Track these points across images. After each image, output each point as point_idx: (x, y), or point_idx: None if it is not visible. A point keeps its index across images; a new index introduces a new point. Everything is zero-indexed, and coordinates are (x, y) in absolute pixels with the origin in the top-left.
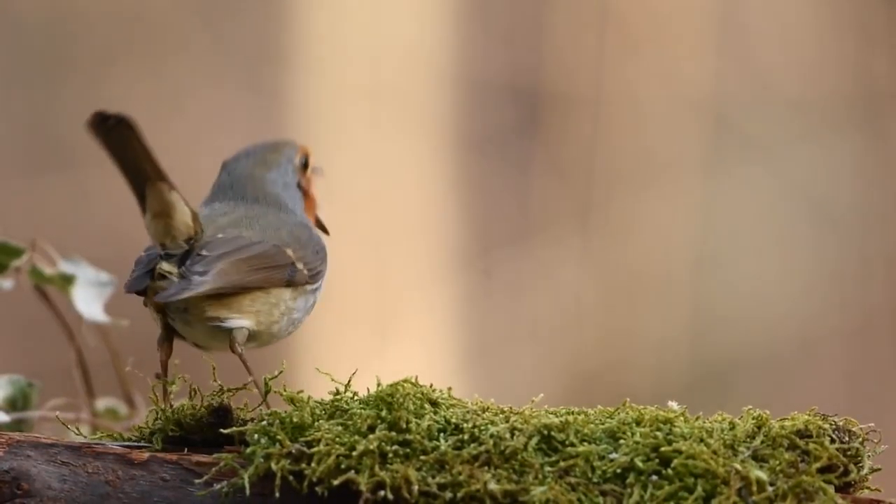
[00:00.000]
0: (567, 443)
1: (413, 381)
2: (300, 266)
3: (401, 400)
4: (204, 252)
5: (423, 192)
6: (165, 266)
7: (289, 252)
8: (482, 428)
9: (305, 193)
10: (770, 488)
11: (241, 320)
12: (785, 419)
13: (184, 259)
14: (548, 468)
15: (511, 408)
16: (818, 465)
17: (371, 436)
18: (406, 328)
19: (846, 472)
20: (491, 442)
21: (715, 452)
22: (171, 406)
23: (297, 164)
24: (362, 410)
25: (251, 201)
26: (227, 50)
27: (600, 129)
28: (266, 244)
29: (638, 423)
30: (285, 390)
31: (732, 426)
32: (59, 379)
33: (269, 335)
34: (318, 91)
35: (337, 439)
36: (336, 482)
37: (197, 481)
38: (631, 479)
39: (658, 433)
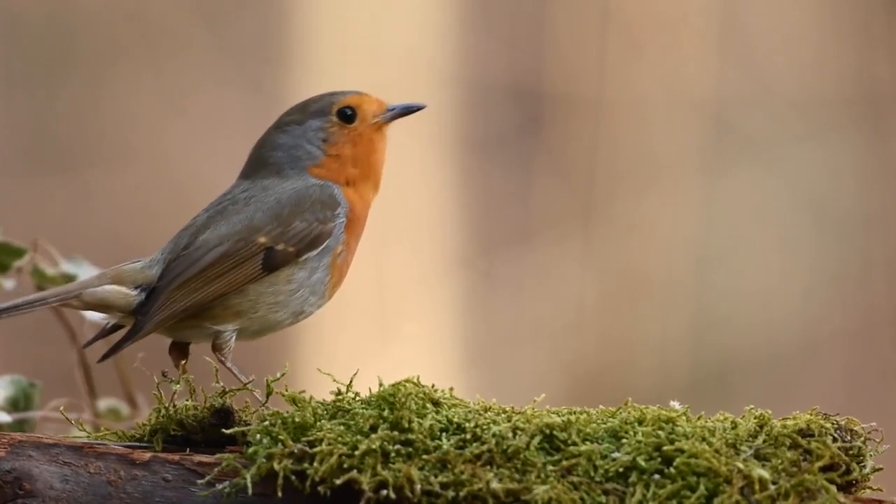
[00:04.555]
0: (569, 442)
1: (415, 380)
2: (280, 246)
3: (403, 400)
4: (159, 282)
5: (425, 193)
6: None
7: (260, 239)
8: (484, 427)
9: (333, 150)
10: (772, 487)
11: (221, 325)
12: (787, 418)
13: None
14: (550, 467)
15: (513, 407)
16: (820, 463)
17: (373, 435)
18: (407, 328)
19: (848, 471)
20: (493, 441)
21: (717, 451)
22: (175, 405)
23: (332, 118)
24: (364, 410)
25: (256, 173)
26: (228, 50)
27: (602, 130)
28: (225, 244)
29: (640, 423)
30: (287, 391)
31: (734, 425)
32: (60, 379)
33: (271, 325)
34: (319, 91)
35: (339, 439)
36: (338, 482)
37: (199, 481)
38: (633, 477)
39: (660, 432)
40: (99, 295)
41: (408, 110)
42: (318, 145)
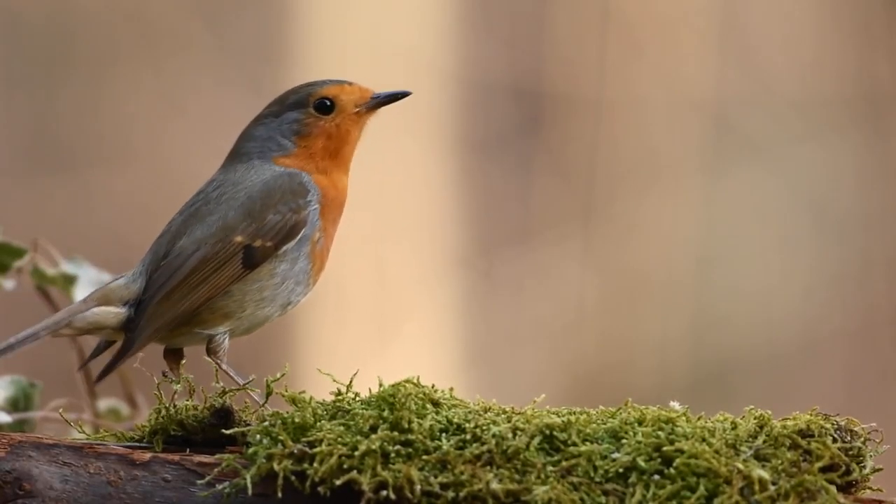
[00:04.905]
0: (569, 442)
1: (415, 381)
2: (257, 243)
3: (403, 400)
4: (144, 295)
5: (425, 193)
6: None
7: (237, 238)
8: (484, 428)
9: (304, 142)
10: (772, 487)
11: (211, 329)
12: (787, 419)
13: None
14: (550, 468)
15: (513, 408)
16: (820, 464)
17: (373, 436)
18: (407, 328)
19: (848, 472)
20: (493, 442)
21: (717, 452)
22: (175, 406)
23: (308, 110)
24: (364, 411)
25: (233, 167)
26: (228, 50)
27: (602, 130)
28: (203, 249)
29: (640, 423)
30: (287, 391)
31: (734, 426)
32: (60, 379)
33: (260, 320)
34: None
35: (339, 439)
36: (338, 482)
37: (199, 482)
38: (633, 478)
39: (660, 433)
40: (90, 319)
41: (393, 97)
42: (290, 138)
